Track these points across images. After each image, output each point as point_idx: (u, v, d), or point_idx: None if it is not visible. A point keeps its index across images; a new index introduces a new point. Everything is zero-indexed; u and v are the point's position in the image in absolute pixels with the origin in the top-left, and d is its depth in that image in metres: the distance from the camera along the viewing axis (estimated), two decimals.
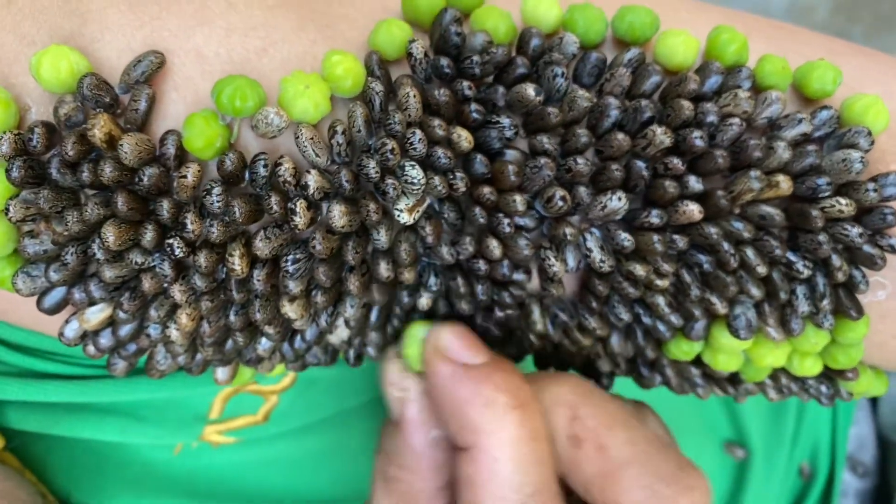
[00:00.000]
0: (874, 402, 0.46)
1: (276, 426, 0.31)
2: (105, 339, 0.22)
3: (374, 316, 0.23)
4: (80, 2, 0.20)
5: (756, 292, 0.23)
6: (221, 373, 0.24)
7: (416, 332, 0.21)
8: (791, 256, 0.22)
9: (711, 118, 0.21)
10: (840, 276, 0.22)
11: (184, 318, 0.21)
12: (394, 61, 0.21)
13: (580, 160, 0.21)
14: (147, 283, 0.20)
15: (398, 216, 0.21)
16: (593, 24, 0.22)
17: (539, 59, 0.22)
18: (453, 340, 0.21)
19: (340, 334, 0.23)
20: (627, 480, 0.20)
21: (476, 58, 0.21)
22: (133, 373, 0.28)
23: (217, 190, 0.19)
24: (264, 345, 0.23)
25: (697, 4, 0.24)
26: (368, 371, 0.32)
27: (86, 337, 0.22)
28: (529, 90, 0.21)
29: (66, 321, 0.22)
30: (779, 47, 0.24)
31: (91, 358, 0.22)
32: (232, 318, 0.21)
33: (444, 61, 0.21)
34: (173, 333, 0.21)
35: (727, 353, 0.25)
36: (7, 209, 0.20)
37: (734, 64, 0.22)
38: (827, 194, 0.21)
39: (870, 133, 0.22)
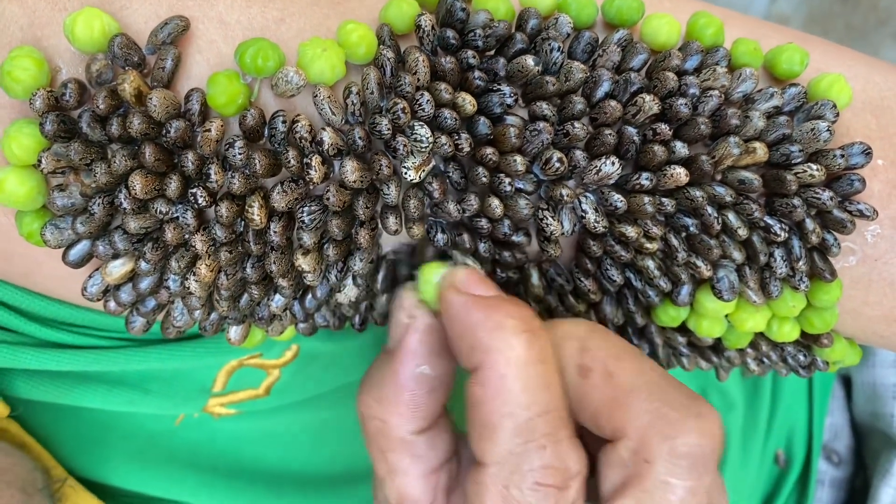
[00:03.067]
0: (849, 391, 0.47)
1: (277, 399, 0.32)
2: (126, 294, 0.23)
3: (381, 276, 0.25)
4: None
5: (737, 255, 0.24)
6: (234, 332, 0.25)
7: (432, 273, 0.22)
8: (769, 220, 0.24)
9: (693, 90, 0.23)
10: (814, 239, 0.24)
11: (203, 268, 0.22)
12: (402, 35, 0.23)
13: (577, 125, 0.23)
14: (170, 233, 0.21)
15: (406, 174, 0.22)
16: (585, 8, 0.24)
17: (536, 36, 0.24)
18: (468, 276, 0.22)
19: (349, 293, 0.24)
20: (635, 405, 0.20)
21: (479, 31, 0.23)
22: (144, 342, 0.28)
23: (239, 143, 0.21)
24: (277, 301, 0.24)
25: None
26: (366, 348, 0.33)
27: (107, 292, 0.23)
28: (529, 60, 0.23)
29: (90, 276, 0.23)
30: (751, 34, 0.26)
31: (111, 314, 0.23)
32: (248, 270, 0.22)
33: (450, 33, 0.23)
34: (192, 285, 0.22)
35: (711, 318, 0.26)
36: (39, 161, 0.21)
37: (712, 45, 0.24)
38: (799, 160, 0.23)
39: (835, 106, 0.24)
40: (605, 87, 0.23)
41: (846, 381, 0.48)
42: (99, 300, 0.23)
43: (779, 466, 0.45)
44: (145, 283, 0.23)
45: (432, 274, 0.22)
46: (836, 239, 0.24)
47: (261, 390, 0.32)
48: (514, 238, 0.24)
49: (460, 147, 0.22)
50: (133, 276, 0.23)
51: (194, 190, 0.21)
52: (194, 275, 0.22)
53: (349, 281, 0.24)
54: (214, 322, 0.25)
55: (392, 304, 0.23)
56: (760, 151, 0.23)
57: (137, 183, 0.20)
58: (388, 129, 0.21)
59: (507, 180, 0.23)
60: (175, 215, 0.21)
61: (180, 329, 0.24)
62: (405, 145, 0.22)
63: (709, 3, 0.27)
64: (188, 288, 0.22)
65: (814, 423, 0.45)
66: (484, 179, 0.23)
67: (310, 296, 0.25)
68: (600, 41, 0.24)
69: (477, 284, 0.21)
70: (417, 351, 0.21)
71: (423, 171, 0.22)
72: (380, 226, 0.23)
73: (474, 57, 0.23)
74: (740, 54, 0.24)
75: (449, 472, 0.23)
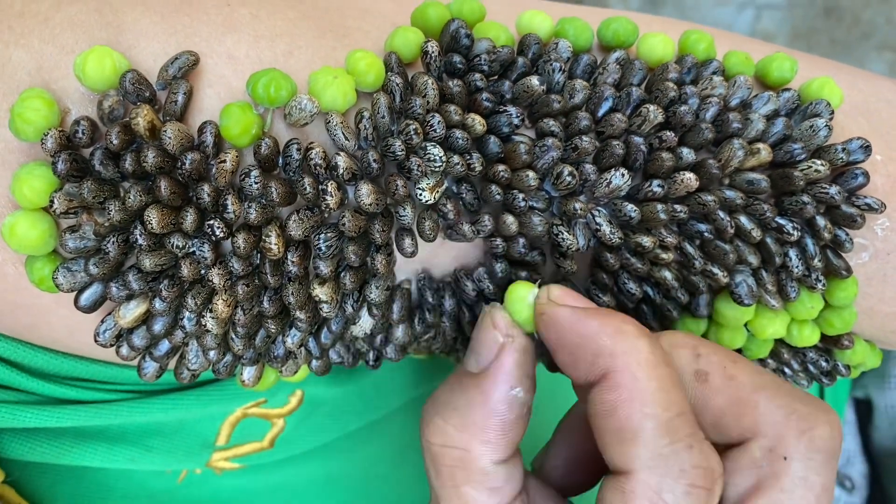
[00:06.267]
0: (861, 416, 0.47)
1: (282, 451, 0.31)
2: (139, 338, 0.22)
3: (396, 306, 0.24)
4: (114, 14, 0.22)
5: (753, 259, 0.24)
6: (248, 374, 0.24)
7: (523, 293, 0.21)
8: (780, 220, 0.24)
9: (693, 99, 0.24)
10: (826, 235, 0.24)
11: (220, 304, 0.21)
12: (409, 64, 0.24)
13: (585, 138, 0.23)
14: (186, 269, 0.21)
15: (420, 195, 0.22)
16: (582, 33, 0.25)
17: (538, 60, 0.24)
18: (564, 292, 0.21)
19: (364, 325, 0.24)
20: (764, 402, 0.20)
21: (484, 56, 0.23)
22: (147, 393, 0.27)
23: (255, 173, 0.21)
24: (294, 336, 0.23)
25: (668, 20, 0.27)
26: (368, 392, 0.32)
27: (120, 337, 0.22)
28: (534, 80, 0.23)
29: (102, 321, 0.22)
30: (739, 48, 0.27)
31: (124, 359, 0.23)
32: (266, 304, 0.22)
33: (457, 58, 0.23)
34: (209, 322, 0.22)
35: (732, 328, 0.26)
36: (51, 202, 0.20)
37: (705, 58, 0.25)
38: (803, 157, 0.24)
39: (829, 104, 0.24)
40: (609, 103, 0.24)
41: (858, 406, 0.47)
42: (112, 346, 0.23)
43: None
44: (159, 325, 0.22)
45: (525, 292, 0.21)
46: (848, 235, 0.24)
47: (265, 443, 0.31)
48: (529, 257, 0.24)
49: (472, 166, 0.22)
50: (147, 319, 0.22)
51: (211, 222, 0.20)
52: (211, 311, 0.22)
53: (364, 312, 0.24)
54: (228, 364, 0.24)
55: (480, 321, 0.22)
56: (764, 152, 0.24)
57: (154, 217, 0.20)
58: (402, 150, 0.22)
59: (521, 196, 0.23)
60: (191, 250, 0.21)
61: (195, 373, 0.24)
62: (419, 165, 0.22)
63: (696, 24, 0.28)
64: (205, 326, 0.22)
65: None
66: (498, 197, 0.23)
67: (325, 330, 0.24)
68: (599, 62, 0.25)
69: (575, 299, 0.21)
70: (513, 372, 0.20)
71: (438, 192, 0.22)
72: (395, 252, 0.23)
73: (481, 80, 0.23)
74: (733, 65, 0.25)
75: (523, 503, 0.21)
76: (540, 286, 0.22)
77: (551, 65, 0.24)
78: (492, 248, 0.24)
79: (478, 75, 0.23)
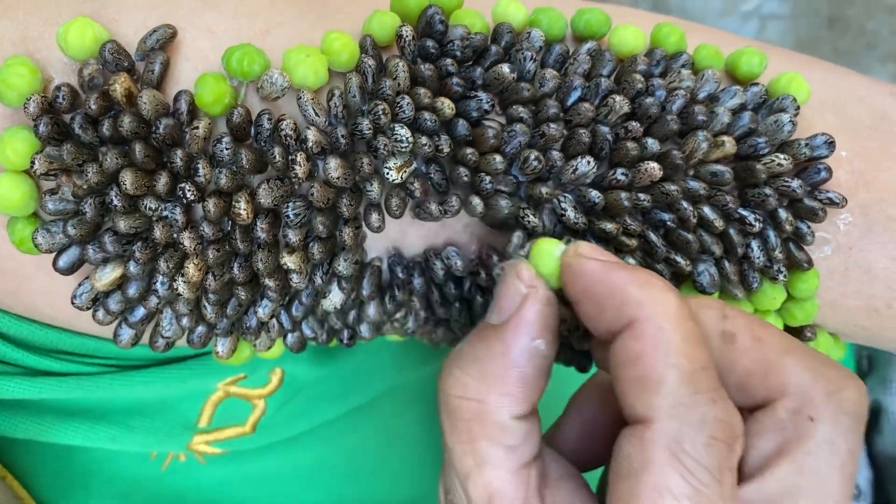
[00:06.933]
0: (872, 422, 0.47)
1: (264, 437, 0.31)
2: (114, 303, 0.23)
3: (366, 281, 0.25)
4: None
5: (716, 249, 0.25)
6: (221, 345, 0.25)
7: (550, 248, 0.21)
8: (743, 211, 0.25)
9: (660, 91, 0.24)
10: (788, 227, 0.24)
11: (191, 268, 0.22)
12: (384, 47, 0.24)
13: (552, 126, 0.24)
14: (159, 231, 0.22)
15: (387, 174, 0.23)
16: (555, 23, 0.26)
17: (510, 49, 0.25)
18: (595, 248, 0.21)
19: (334, 298, 0.25)
20: (793, 363, 0.19)
21: (458, 42, 0.24)
22: (129, 368, 0.28)
23: (226, 139, 0.21)
24: (265, 307, 0.24)
25: (643, 12, 0.28)
26: (349, 375, 0.33)
27: (96, 301, 0.23)
28: (505, 68, 0.24)
29: (79, 284, 0.23)
30: (711, 41, 0.27)
31: (99, 324, 0.23)
32: (235, 270, 0.23)
33: (430, 42, 0.24)
34: (181, 286, 0.22)
35: None
36: (32, 163, 0.21)
37: (675, 51, 0.26)
38: (766, 151, 0.24)
39: (795, 100, 0.25)
40: (577, 92, 0.24)
41: (870, 412, 0.47)
42: (88, 309, 0.23)
43: None
44: (133, 289, 0.23)
45: (552, 247, 0.21)
46: (809, 227, 0.25)
47: (247, 427, 0.32)
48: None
49: (440, 148, 0.23)
50: (122, 283, 0.23)
51: (183, 185, 0.21)
52: (183, 275, 0.22)
53: (334, 286, 0.25)
54: (203, 335, 0.25)
55: (503, 274, 0.21)
56: (728, 145, 0.24)
57: (128, 179, 0.21)
58: (370, 129, 0.22)
59: (488, 178, 0.23)
60: (164, 213, 0.22)
61: (169, 340, 0.24)
62: (386, 145, 0.22)
63: (688, 20, 0.28)
64: (176, 290, 0.23)
65: None
66: (465, 178, 0.23)
67: (296, 302, 0.25)
68: (571, 52, 0.25)
69: (604, 254, 0.20)
70: (535, 323, 0.20)
71: (405, 171, 0.23)
72: (364, 227, 0.24)
73: (453, 65, 0.24)
74: (702, 58, 0.26)
75: (539, 470, 0.21)
76: (568, 243, 0.22)
77: (523, 53, 0.24)
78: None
79: (449, 60, 0.24)
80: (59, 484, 0.30)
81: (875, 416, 0.48)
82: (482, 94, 0.24)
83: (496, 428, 0.20)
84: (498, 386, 0.20)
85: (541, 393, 0.20)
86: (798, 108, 0.25)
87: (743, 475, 0.19)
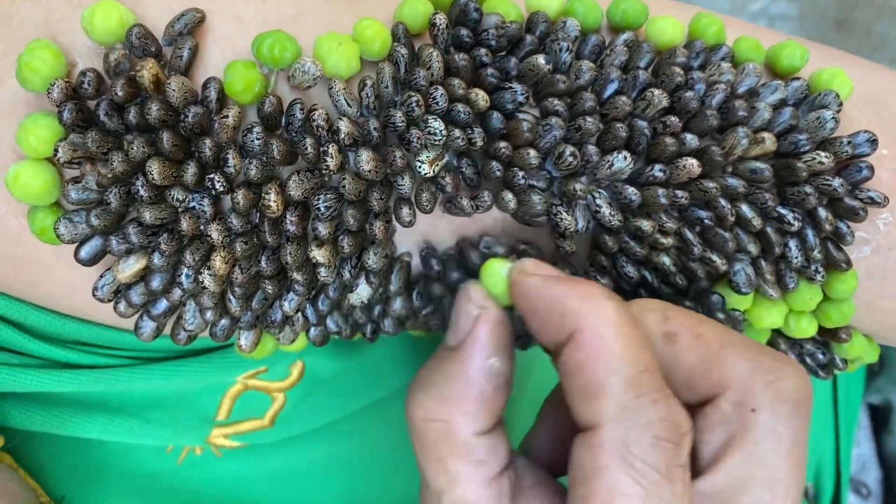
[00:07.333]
0: (876, 421, 0.46)
1: (283, 431, 0.31)
2: (136, 295, 0.23)
3: (394, 276, 0.24)
4: None
5: (752, 248, 0.24)
6: (245, 338, 0.24)
7: (498, 268, 0.22)
8: (781, 210, 0.24)
9: (700, 85, 0.24)
10: (827, 227, 0.24)
11: (218, 261, 0.22)
12: (416, 35, 0.24)
13: (588, 119, 0.23)
14: (186, 223, 0.21)
15: (419, 167, 0.22)
16: (591, 12, 0.25)
17: (545, 39, 0.24)
18: (538, 264, 0.21)
19: (361, 293, 0.24)
20: (732, 357, 0.20)
21: (492, 31, 0.23)
22: (148, 360, 0.28)
23: (257, 129, 0.21)
24: (291, 301, 0.23)
25: (679, 4, 0.27)
26: (369, 370, 0.32)
27: (118, 293, 0.23)
28: (540, 59, 0.23)
29: (101, 276, 0.23)
30: (750, 35, 0.26)
31: (121, 316, 0.23)
32: (263, 263, 0.22)
33: (464, 31, 0.23)
34: (206, 279, 0.22)
35: None
36: (56, 151, 0.21)
37: (715, 43, 0.25)
38: (807, 149, 0.24)
39: (838, 95, 0.24)
40: (614, 85, 0.24)
41: (873, 410, 0.47)
42: (110, 301, 0.23)
43: (807, 501, 0.44)
44: (157, 281, 0.22)
45: (500, 267, 0.22)
46: (849, 227, 0.24)
47: (266, 420, 0.31)
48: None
49: (473, 141, 0.22)
50: (145, 275, 0.23)
51: (211, 176, 0.21)
52: (209, 269, 0.22)
53: (362, 280, 0.24)
54: (226, 328, 0.24)
55: (456, 302, 0.22)
56: (769, 141, 0.24)
57: (155, 169, 0.20)
58: (403, 122, 0.22)
59: (521, 174, 0.23)
60: (191, 204, 0.21)
61: (191, 333, 0.24)
62: (419, 138, 0.22)
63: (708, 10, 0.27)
64: (202, 283, 0.22)
65: (841, 454, 0.44)
66: (498, 173, 0.23)
67: (323, 296, 0.24)
68: (607, 43, 0.25)
69: (545, 269, 0.21)
70: (488, 343, 0.21)
71: (437, 165, 0.23)
72: (394, 221, 0.23)
73: (487, 55, 0.23)
74: (742, 51, 0.25)
75: (510, 479, 0.21)
76: (515, 261, 0.22)
77: (558, 44, 0.24)
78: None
79: (483, 50, 0.23)
80: (73, 477, 0.29)
81: (886, 416, 0.48)
82: (517, 86, 0.23)
83: (462, 446, 0.20)
84: (459, 406, 0.20)
85: (502, 407, 0.21)
86: (841, 104, 0.24)
87: (697, 470, 0.20)
